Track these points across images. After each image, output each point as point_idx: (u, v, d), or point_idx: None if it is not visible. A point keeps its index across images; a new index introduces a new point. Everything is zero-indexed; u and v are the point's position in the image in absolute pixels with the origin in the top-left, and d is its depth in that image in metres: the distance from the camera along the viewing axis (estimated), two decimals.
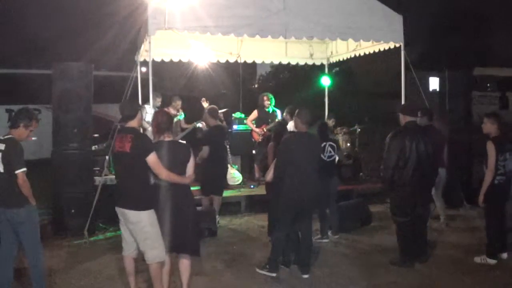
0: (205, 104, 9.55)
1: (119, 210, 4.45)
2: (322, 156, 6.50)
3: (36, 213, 4.68)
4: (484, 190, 5.66)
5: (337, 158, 6.81)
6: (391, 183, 5.61)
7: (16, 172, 4.41)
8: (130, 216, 4.36)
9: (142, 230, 4.36)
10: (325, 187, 6.51)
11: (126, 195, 4.40)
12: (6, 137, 4.55)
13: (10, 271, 4.60)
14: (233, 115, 9.76)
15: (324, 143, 6.62)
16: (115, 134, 6.05)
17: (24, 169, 4.45)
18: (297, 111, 5.67)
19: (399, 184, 5.56)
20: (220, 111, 9.43)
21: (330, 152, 6.65)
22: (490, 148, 5.58)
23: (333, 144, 6.73)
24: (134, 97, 7.60)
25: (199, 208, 6.77)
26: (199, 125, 8.86)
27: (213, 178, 7.17)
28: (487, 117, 5.77)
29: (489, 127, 5.70)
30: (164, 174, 4.35)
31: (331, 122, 9.31)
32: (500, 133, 5.67)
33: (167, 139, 4.58)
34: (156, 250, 4.39)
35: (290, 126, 7.57)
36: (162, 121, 4.59)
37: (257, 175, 9.42)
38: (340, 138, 9.59)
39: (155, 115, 4.81)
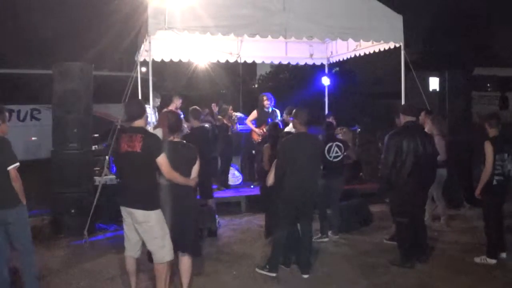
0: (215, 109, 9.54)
1: (125, 209, 4.43)
2: (327, 156, 6.51)
3: (27, 213, 4.64)
4: (480, 188, 5.69)
5: (341, 157, 6.78)
6: (388, 183, 5.61)
7: (9, 168, 4.37)
8: (139, 215, 4.34)
9: (150, 230, 4.36)
10: (327, 187, 6.52)
11: (134, 194, 4.36)
12: None
13: (5, 272, 4.57)
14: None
15: (331, 143, 6.62)
16: (115, 134, 6.06)
17: (17, 163, 4.41)
18: (294, 111, 5.67)
19: (396, 183, 5.56)
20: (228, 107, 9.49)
21: (337, 152, 6.64)
22: (488, 147, 5.61)
23: (340, 144, 6.72)
24: (134, 97, 7.58)
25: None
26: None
27: (200, 182, 7.02)
28: (485, 118, 5.83)
29: (487, 127, 5.75)
30: (171, 174, 4.35)
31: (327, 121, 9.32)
32: (499, 133, 5.69)
33: (176, 139, 4.61)
34: (164, 250, 4.39)
35: (290, 127, 7.58)
36: (174, 122, 4.62)
37: (257, 175, 9.43)
38: (340, 138, 9.58)
39: (165, 115, 4.79)
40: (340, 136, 9.55)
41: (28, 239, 4.60)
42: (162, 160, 4.29)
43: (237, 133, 9.44)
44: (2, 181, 4.39)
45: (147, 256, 4.60)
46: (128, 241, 4.58)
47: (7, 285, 4.59)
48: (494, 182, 5.63)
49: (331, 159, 6.58)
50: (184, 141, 4.83)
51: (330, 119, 9.37)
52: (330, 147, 6.61)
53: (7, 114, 4.63)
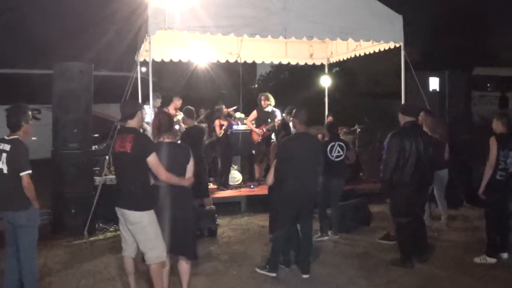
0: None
1: (119, 210, 4.43)
2: (329, 156, 6.52)
3: (38, 217, 4.63)
4: (485, 182, 5.71)
5: (342, 157, 6.77)
6: (390, 184, 5.61)
7: (21, 174, 4.34)
8: (130, 216, 4.34)
9: (142, 231, 4.35)
10: (328, 186, 6.52)
11: (126, 195, 4.37)
12: (11, 137, 4.46)
13: (17, 272, 4.56)
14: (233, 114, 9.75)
15: (333, 143, 6.63)
16: (115, 134, 6.06)
17: (30, 171, 4.38)
18: (294, 111, 5.67)
19: (398, 184, 5.56)
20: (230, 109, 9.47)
21: (339, 152, 6.64)
22: (492, 142, 5.67)
23: (342, 144, 6.73)
24: (134, 97, 7.59)
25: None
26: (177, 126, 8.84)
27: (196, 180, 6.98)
28: (495, 116, 5.90)
29: (495, 125, 5.80)
30: (163, 175, 4.33)
31: (329, 120, 9.34)
32: (506, 131, 5.74)
33: (167, 140, 4.55)
34: (156, 251, 4.38)
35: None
36: (163, 122, 4.57)
37: (257, 175, 9.43)
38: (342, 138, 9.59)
39: (156, 115, 4.79)
40: (340, 136, 9.58)
41: (33, 243, 4.57)
42: (152, 160, 4.26)
43: (237, 133, 9.41)
44: (14, 184, 4.37)
45: (141, 256, 4.58)
46: (124, 241, 4.57)
47: (15, 285, 4.57)
48: (498, 177, 5.65)
49: (333, 158, 6.59)
50: (177, 142, 4.80)
51: (329, 118, 9.42)
52: (333, 147, 6.61)
53: (30, 113, 4.59)
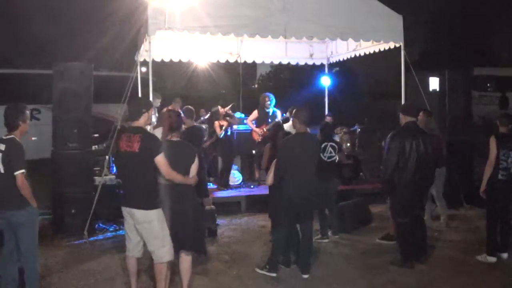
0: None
1: (126, 210, 4.43)
2: (322, 156, 6.50)
3: (37, 216, 4.63)
4: (485, 182, 5.72)
5: (337, 159, 6.78)
6: (391, 184, 5.61)
7: (15, 173, 4.35)
8: (139, 215, 4.34)
9: (151, 230, 4.36)
10: (324, 187, 6.51)
11: (134, 194, 4.37)
12: (7, 137, 4.48)
13: (15, 271, 4.57)
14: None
15: (326, 143, 6.62)
16: (115, 134, 6.07)
17: (23, 170, 4.39)
18: (294, 111, 5.67)
19: (399, 184, 5.56)
20: (226, 108, 9.48)
21: (331, 152, 6.64)
22: (492, 142, 5.69)
23: (334, 144, 6.72)
24: (134, 97, 7.58)
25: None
26: None
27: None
28: (498, 117, 5.94)
29: (499, 126, 5.82)
30: (170, 174, 4.36)
31: (329, 120, 9.33)
32: (507, 131, 5.75)
33: (174, 138, 4.64)
34: (164, 249, 4.39)
35: (288, 126, 7.57)
36: (175, 121, 4.68)
37: (257, 175, 9.43)
38: (340, 138, 9.60)
39: (169, 114, 4.82)
40: (340, 136, 9.59)
41: (34, 242, 4.57)
42: (160, 160, 4.29)
43: (237, 133, 9.41)
44: (10, 183, 4.37)
45: (145, 256, 4.59)
46: (129, 241, 4.58)
47: (15, 286, 4.57)
48: (500, 177, 5.66)
49: (325, 159, 6.57)
50: (183, 140, 4.85)
51: (328, 119, 9.42)
52: (325, 147, 6.60)
53: (28, 113, 4.60)
